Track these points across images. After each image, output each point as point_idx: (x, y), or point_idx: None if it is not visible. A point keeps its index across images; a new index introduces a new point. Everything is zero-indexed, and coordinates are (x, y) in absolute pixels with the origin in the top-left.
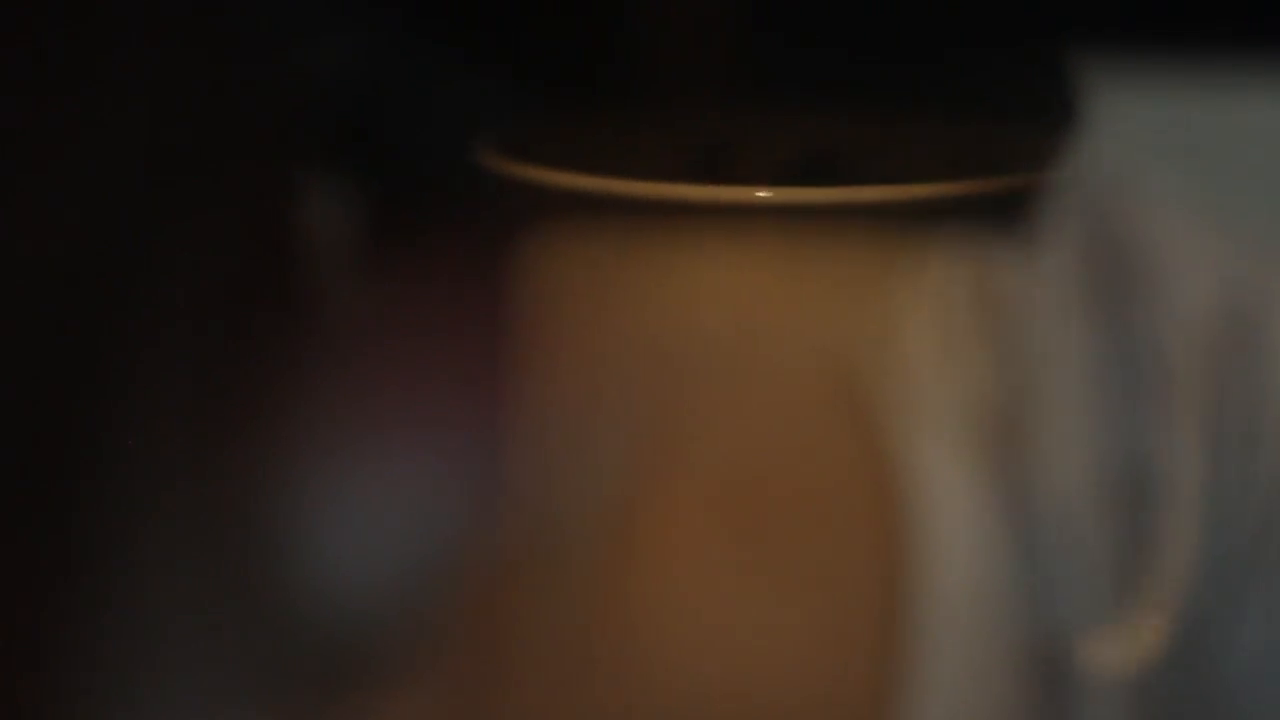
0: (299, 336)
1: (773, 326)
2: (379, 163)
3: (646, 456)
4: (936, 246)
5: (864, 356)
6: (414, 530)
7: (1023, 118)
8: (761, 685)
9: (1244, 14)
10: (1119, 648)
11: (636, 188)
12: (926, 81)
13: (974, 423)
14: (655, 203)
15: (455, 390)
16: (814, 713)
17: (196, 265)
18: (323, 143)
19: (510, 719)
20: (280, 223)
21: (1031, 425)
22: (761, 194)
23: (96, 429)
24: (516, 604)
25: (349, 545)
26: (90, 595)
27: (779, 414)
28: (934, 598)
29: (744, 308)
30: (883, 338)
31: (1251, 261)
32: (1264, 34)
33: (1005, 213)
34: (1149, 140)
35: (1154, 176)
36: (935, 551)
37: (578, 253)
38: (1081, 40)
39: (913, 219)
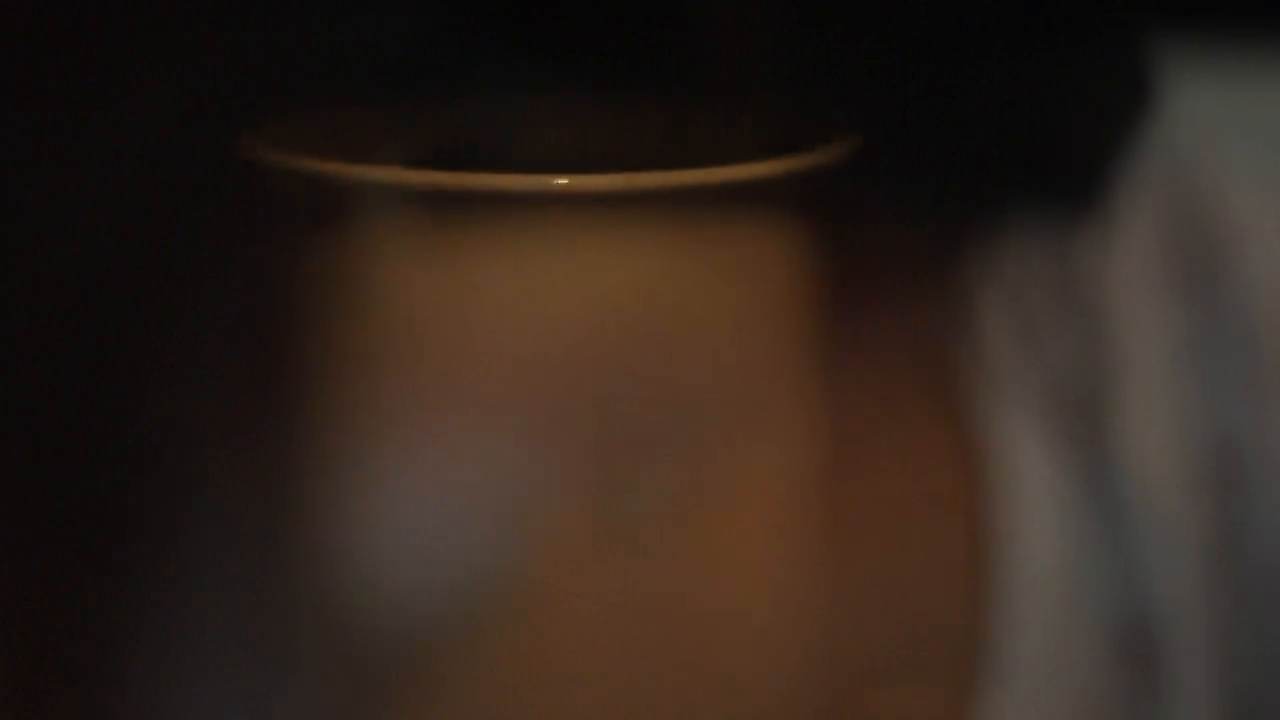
0: None
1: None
2: None
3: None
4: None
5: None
6: (461, 530)
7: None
8: (846, 671)
9: None
10: (1205, 629)
11: (409, 177)
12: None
13: (1058, 404)
14: (440, 193)
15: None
16: (900, 697)
17: (230, 257)
18: None
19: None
20: None
21: (1116, 405)
22: (560, 182)
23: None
24: (571, 605)
25: (395, 546)
26: (137, 595)
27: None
28: (1019, 580)
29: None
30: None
31: None
32: None
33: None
34: (1229, 117)
35: (1234, 153)
36: (1020, 534)
37: (370, 251)
38: (1160, 18)
39: (716, 202)
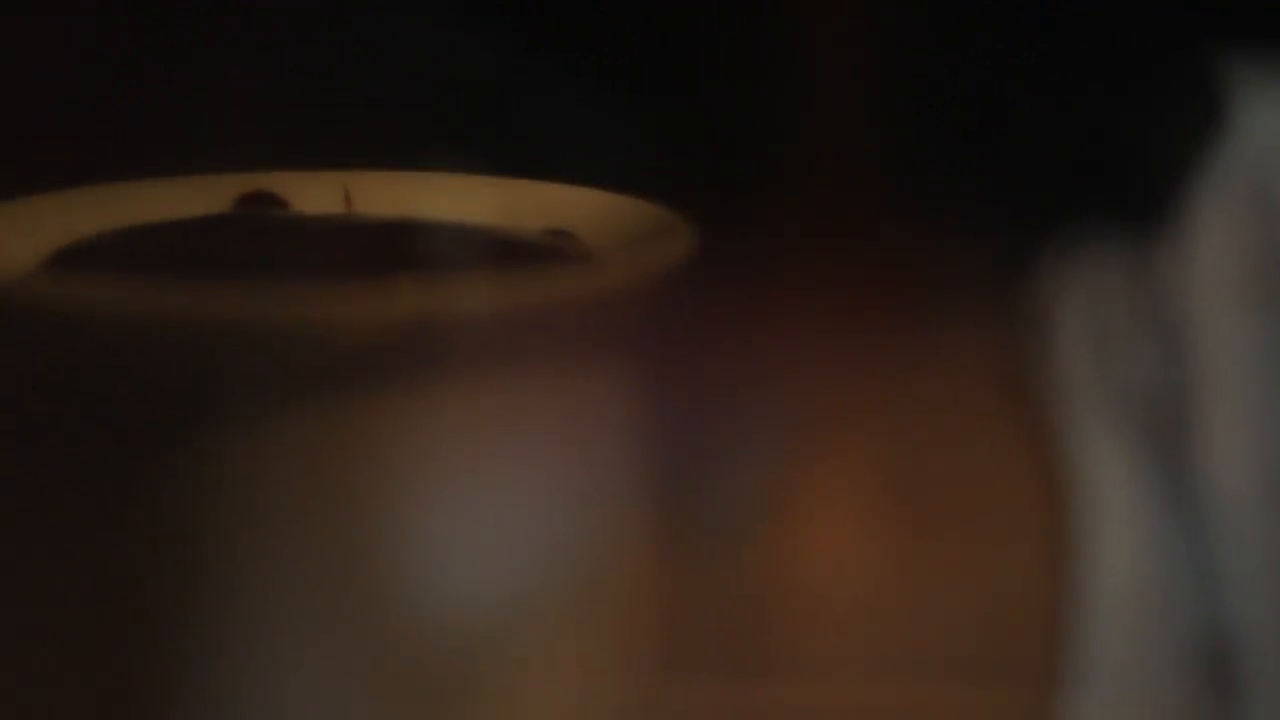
0: None
1: None
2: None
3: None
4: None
5: None
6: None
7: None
8: (923, 681)
9: None
10: None
11: None
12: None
13: (1137, 417)
14: None
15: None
16: (976, 708)
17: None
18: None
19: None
20: None
21: (1196, 418)
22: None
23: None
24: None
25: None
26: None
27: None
28: (1098, 592)
29: None
30: None
31: None
32: None
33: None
34: None
35: None
36: (1100, 546)
37: None
38: (1234, 34)
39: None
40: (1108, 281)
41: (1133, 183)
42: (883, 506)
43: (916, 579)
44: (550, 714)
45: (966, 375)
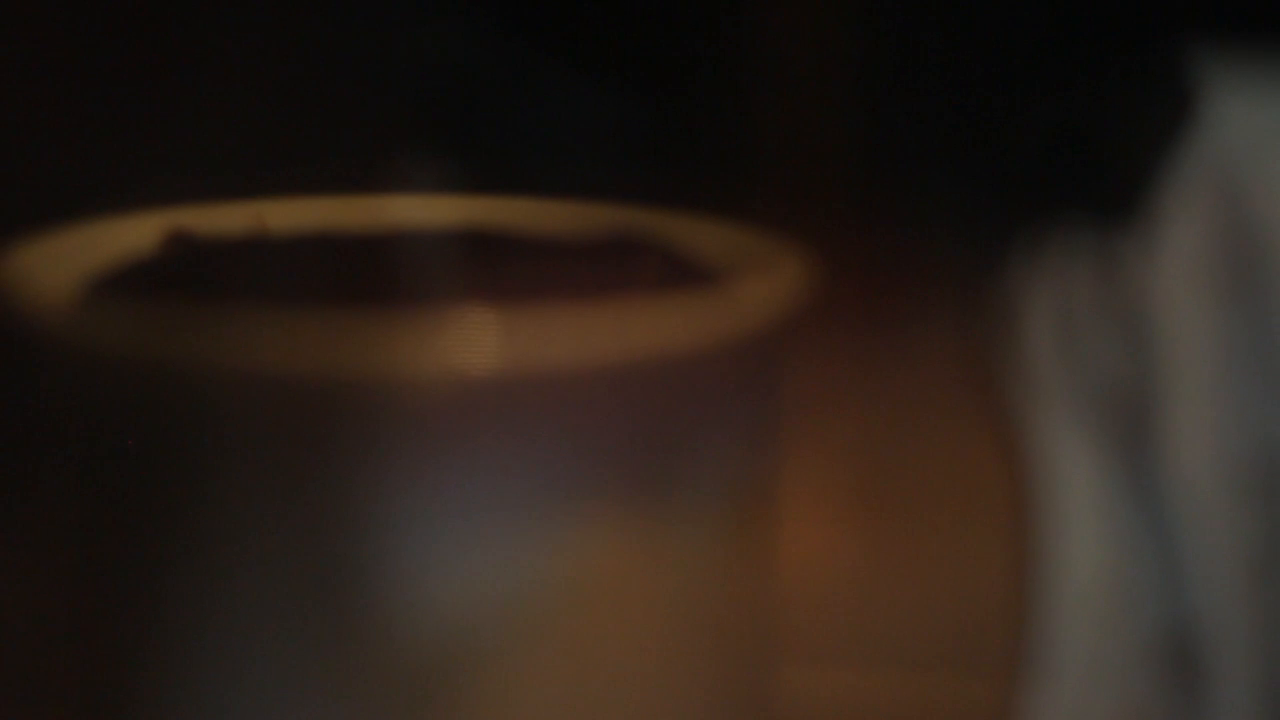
0: None
1: None
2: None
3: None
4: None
5: None
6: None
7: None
8: (890, 674)
9: None
10: (1247, 636)
11: None
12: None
13: (1103, 411)
14: None
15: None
16: (943, 701)
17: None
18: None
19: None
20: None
21: (1161, 412)
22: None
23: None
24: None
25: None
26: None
27: (906, 406)
28: (1063, 586)
29: None
30: None
31: None
32: None
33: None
34: (1272, 125)
35: (1277, 160)
36: (1064, 540)
37: None
38: (1203, 28)
39: None
40: (1075, 274)
41: (1101, 176)
42: (852, 498)
43: (883, 569)
44: (525, 713)
45: (936, 369)
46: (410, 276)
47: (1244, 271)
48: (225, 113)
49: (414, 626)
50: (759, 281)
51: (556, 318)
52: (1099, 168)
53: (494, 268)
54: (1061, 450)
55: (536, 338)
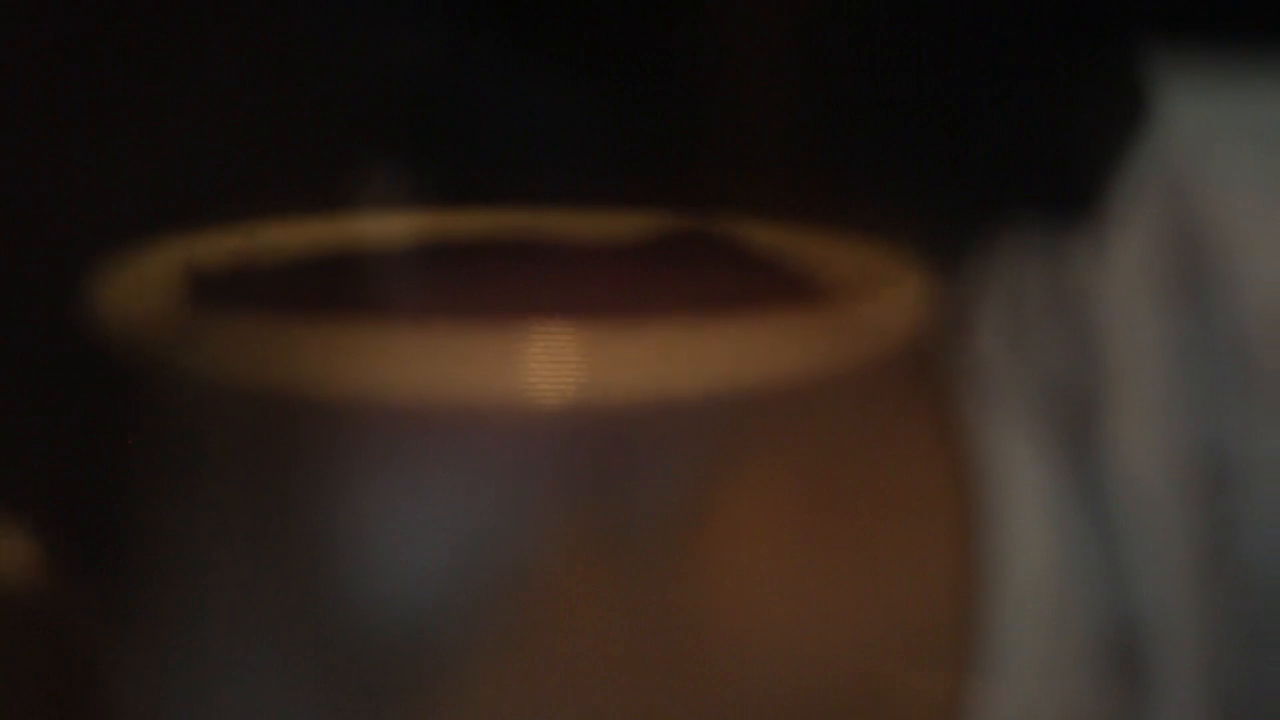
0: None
1: None
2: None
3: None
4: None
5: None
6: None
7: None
8: (833, 676)
9: None
10: (1193, 634)
11: None
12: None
13: (1049, 409)
14: None
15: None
16: (887, 702)
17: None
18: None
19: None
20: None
21: (1107, 411)
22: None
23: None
24: (576, 608)
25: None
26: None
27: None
28: (1008, 586)
29: None
30: None
31: None
32: None
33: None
34: (1220, 124)
35: (1228, 161)
36: (1010, 539)
37: None
38: (1152, 29)
39: None
40: (1026, 273)
41: (1053, 175)
42: (796, 494)
43: (828, 566)
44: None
45: (880, 367)
46: (440, 291)
47: (1190, 271)
48: (223, 122)
49: (388, 640)
50: (890, 298)
51: (650, 336)
52: (1051, 167)
53: (544, 279)
54: (1008, 448)
55: (634, 360)
